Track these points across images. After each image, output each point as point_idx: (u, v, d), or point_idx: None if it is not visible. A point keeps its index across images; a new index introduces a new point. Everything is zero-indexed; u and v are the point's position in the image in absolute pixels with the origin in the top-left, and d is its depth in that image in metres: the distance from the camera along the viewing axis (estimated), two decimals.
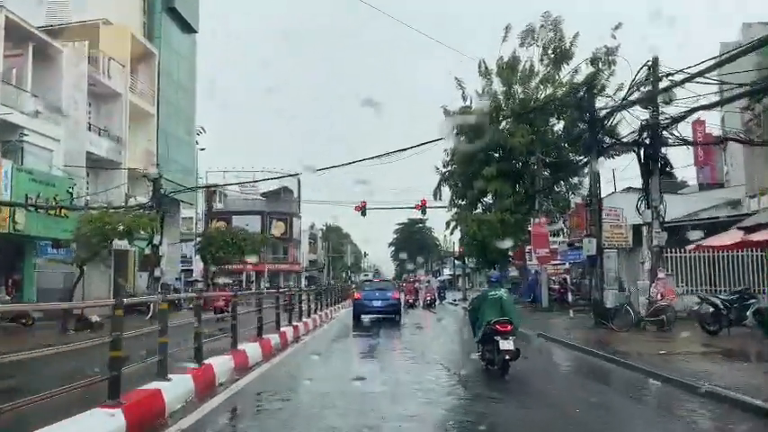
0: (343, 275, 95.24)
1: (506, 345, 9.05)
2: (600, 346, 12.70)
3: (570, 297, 21.81)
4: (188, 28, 41.20)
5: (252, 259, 37.82)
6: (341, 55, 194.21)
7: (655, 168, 15.36)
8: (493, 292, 9.80)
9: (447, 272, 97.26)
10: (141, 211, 23.44)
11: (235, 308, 10.43)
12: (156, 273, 27.29)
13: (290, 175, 22.00)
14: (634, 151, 15.93)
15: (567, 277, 22.39)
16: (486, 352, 9.60)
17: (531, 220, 27.31)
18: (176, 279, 40.93)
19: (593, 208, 16.02)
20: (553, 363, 12.48)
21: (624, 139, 16.05)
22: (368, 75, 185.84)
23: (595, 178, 15.98)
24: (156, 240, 27.03)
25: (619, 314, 15.58)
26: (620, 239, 17.46)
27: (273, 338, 12.53)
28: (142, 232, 21.57)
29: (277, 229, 71.57)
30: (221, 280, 54.43)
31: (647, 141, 15.50)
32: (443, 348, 14.40)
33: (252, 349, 10.55)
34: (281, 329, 13.94)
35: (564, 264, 26.18)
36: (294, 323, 15.95)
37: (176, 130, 38.83)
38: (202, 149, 46.75)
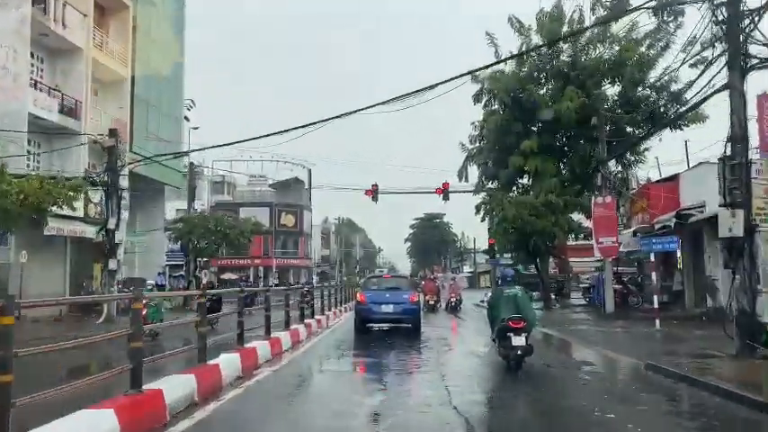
0: (356, 270, 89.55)
1: (518, 341, 9.21)
2: None
3: (656, 301, 15.71)
4: None
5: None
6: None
7: None
8: (508, 290, 9.91)
9: (467, 269, 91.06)
10: (77, 179, 17.61)
11: None
12: (112, 265, 21.55)
13: (276, 133, 16.32)
14: None
15: (654, 274, 16.23)
16: (501, 348, 9.62)
17: (593, 199, 21.17)
18: (159, 274, 35.41)
19: (738, 162, 9.80)
20: None
21: None
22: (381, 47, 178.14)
23: (741, 114, 9.80)
24: (111, 224, 21.46)
25: None
26: None
27: (183, 385, 6.46)
28: (65, 207, 15.75)
29: (287, 221, 67.45)
30: (226, 276, 48.95)
31: None
32: (499, 392, 8.37)
33: (114, 414, 4.52)
34: (224, 356, 8.02)
35: (645, 255, 20.04)
36: (253, 343, 10.07)
37: (159, 101, 33.22)
38: (195, 128, 41.08)
